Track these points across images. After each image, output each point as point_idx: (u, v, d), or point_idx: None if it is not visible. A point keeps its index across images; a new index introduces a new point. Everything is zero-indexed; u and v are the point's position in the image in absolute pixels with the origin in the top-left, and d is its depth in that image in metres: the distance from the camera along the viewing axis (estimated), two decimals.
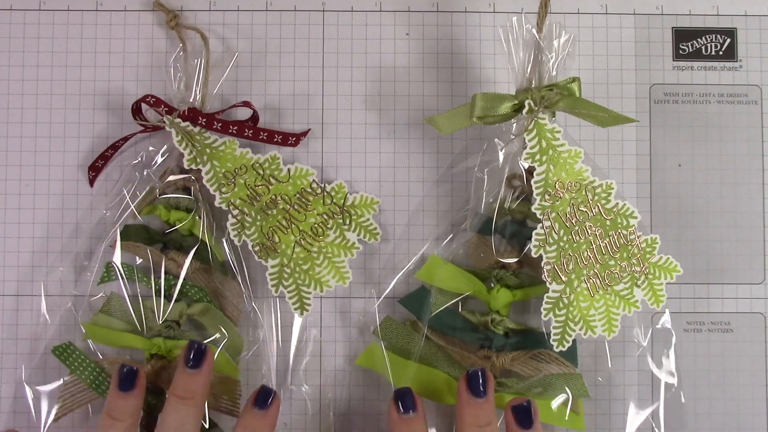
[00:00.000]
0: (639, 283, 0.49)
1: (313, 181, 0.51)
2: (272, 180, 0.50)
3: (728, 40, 0.55)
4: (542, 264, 0.48)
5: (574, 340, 0.48)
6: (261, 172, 0.50)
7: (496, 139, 0.50)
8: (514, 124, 0.49)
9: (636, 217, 0.49)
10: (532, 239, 0.48)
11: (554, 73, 0.48)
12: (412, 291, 0.52)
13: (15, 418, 0.52)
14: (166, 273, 0.50)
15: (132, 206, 0.50)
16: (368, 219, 0.51)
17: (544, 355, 0.49)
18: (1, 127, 0.53)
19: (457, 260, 0.52)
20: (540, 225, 0.48)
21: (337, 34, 0.54)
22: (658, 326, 0.52)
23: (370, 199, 0.51)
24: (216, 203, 0.50)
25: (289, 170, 0.51)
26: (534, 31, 0.48)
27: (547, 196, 0.48)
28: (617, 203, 0.49)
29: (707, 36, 0.55)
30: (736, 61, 0.54)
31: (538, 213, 0.48)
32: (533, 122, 0.48)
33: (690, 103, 0.54)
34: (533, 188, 0.48)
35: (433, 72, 0.54)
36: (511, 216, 0.50)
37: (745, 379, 0.53)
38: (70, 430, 0.52)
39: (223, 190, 0.50)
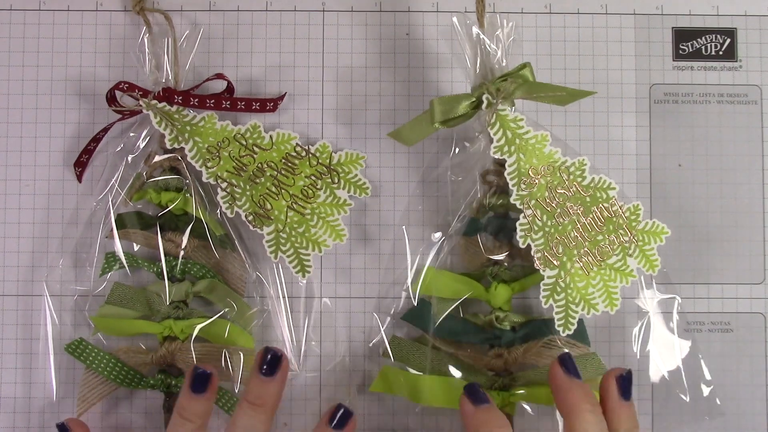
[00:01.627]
0: (630, 252, 0.49)
1: (297, 144, 0.51)
2: (256, 149, 0.50)
3: (728, 40, 0.55)
4: (532, 252, 0.48)
5: (580, 320, 0.49)
6: (244, 142, 0.50)
7: (464, 141, 0.51)
8: (476, 122, 0.49)
9: (614, 188, 0.49)
10: (517, 230, 0.48)
11: (504, 63, 0.48)
12: (414, 306, 0.51)
13: (15, 418, 0.52)
14: (165, 255, 0.50)
15: (122, 194, 0.50)
16: (356, 175, 0.51)
17: (555, 341, 0.49)
18: (1, 127, 0.53)
19: (449, 266, 0.52)
20: (522, 214, 0.48)
21: (337, 34, 0.54)
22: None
23: (356, 155, 0.51)
24: (204, 179, 0.50)
25: (271, 137, 0.51)
26: (475, 27, 0.48)
27: (523, 185, 0.48)
28: (593, 178, 0.49)
29: (707, 36, 0.55)
30: (736, 61, 0.54)
31: (517, 203, 0.48)
32: (494, 115, 0.48)
33: (690, 103, 0.54)
34: (508, 180, 0.48)
35: (434, 72, 0.54)
36: (493, 212, 0.50)
37: (745, 379, 0.53)
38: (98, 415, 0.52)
39: (209, 164, 0.50)
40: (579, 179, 0.49)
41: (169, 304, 0.50)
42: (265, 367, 0.46)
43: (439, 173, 0.53)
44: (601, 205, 0.49)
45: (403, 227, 0.52)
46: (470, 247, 0.51)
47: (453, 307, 0.50)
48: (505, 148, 0.48)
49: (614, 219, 0.49)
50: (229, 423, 0.46)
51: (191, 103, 0.51)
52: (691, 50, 0.54)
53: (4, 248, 0.53)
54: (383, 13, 0.54)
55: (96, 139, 0.52)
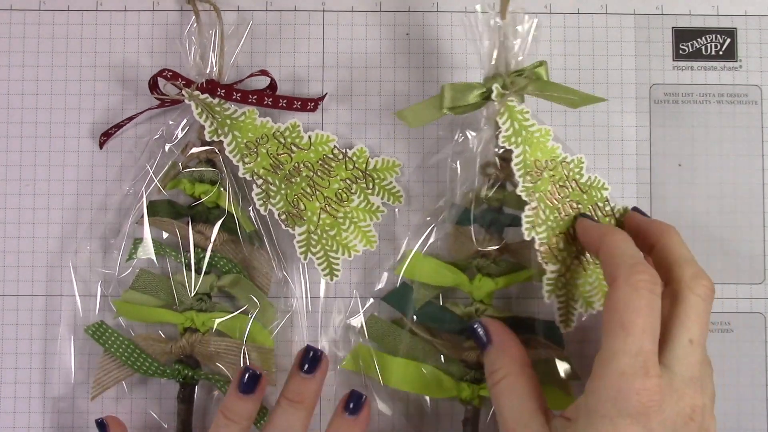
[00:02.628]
0: None
1: (335, 147, 0.51)
2: (294, 148, 0.50)
3: (728, 40, 0.55)
4: (536, 246, 0.47)
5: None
6: (282, 140, 0.50)
7: (468, 131, 0.50)
8: (483, 113, 0.49)
9: (607, 188, 0.49)
10: (522, 222, 0.48)
11: (521, 58, 0.48)
12: (395, 288, 0.51)
13: (15, 419, 0.52)
14: (194, 246, 0.50)
15: (156, 181, 0.50)
16: (391, 182, 0.51)
17: (532, 341, 0.49)
18: (1, 127, 0.53)
19: (436, 253, 0.51)
20: (527, 206, 0.48)
21: (337, 34, 0.54)
22: None
23: (392, 162, 0.51)
24: (240, 174, 0.50)
25: (309, 137, 0.51)
26: (498, 18, 0.48)
27: (528, 177, 0.48)
28: (590, 177, 0.49)
29: (707, 36, 0.55)
30: (736, 61, 0.54)
31: (523, 195, 0.48)
32: (504, 106, 0.48)
33: (690, 103, 0.54)
34: (515, 170, 0.48)
35: (434, 72, 0.54)
36: (488, 204, 0.50)
37: (745, 379, 0.53)
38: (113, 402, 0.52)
39: (246, 160, 0.50)
40: (577, 176, 0.49)
41: (193, 295, 0.50)
42: (306, 365, 0.46)
43: (439, 159, 0.53)
44: (596, 204, 0.49)
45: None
46: (460, 237, 0.51)
47: (434, 294, 0.50)
48: (513, 139, 0.48)
49: (607, 219, 0.49)
50: (267, 421, 0.46)
51: (234, 97, 0.50)
52: (691, 50, 0.54)
53: (5, 248, 0.53)
54: (383, 13, 0.54)
55: (130, 118, 0.52)
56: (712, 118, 0.54)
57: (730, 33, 0.55)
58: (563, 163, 0.49)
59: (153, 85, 0.51)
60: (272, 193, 0.50)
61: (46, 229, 0.53)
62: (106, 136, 0.52)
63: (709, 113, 0.54)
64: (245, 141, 0.50)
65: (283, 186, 0.50)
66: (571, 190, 0.48)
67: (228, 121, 0.50)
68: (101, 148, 0.53)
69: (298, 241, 0.50)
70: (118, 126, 0.52)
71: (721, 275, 0.53)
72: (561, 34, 0.54)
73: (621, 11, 0.55)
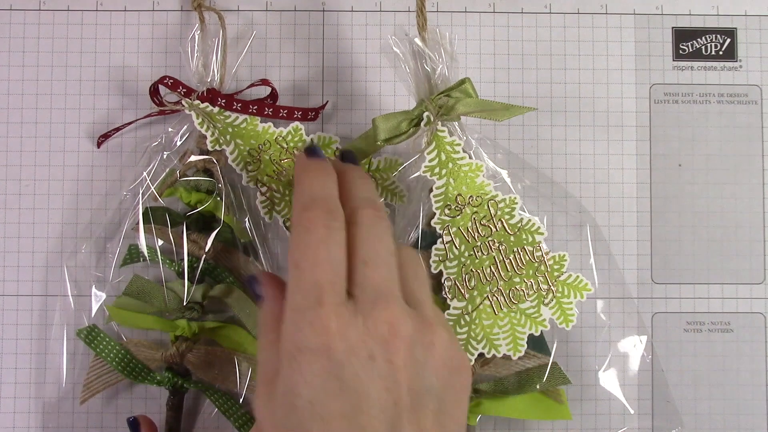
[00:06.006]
0: (546, 301, 0.47)
1: (337, 148, 0.51)
2: (296, 151, 0.50)
3: (728, 40, 0.55)
4: (442, 279, 0.47)
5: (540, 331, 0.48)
6: (285, 145, 0.50)
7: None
8: (423, 139, 0.48)
9: (542, 233, 0.48)
10: (432, 255, 0.47)
11: (448, 76, 0.47)
12: None
13: (15, 419, 0.52)
14: (188, 255, 0.50)
15: (152, 188, 0.50)
16: (393, 182, 0.51)
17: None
18: (1, 127, 0.53)
19: None
20: (440, 240, 0.47)
21: (337, 34, 0.54)
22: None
23: (394, 161, 0.51)
24: (243, 182, 0.50)
25: (312, 140, 0.50)
26: (416, 39, 0.47)
27: (447, 210, 0.47)
28: (521, 218, 0.48)
29: (707, 36, 0.55)
30: (736, 61, 0.54)
31: (437, 228, 0.47)
32: (432, 135, 0.47)
33: (690, 103, 0.54)
34: (432, 202, 0.47)
35: None
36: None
37: (745, 379, 0.53)
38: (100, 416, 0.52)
39: (250, 168, 0.50)
40: (507, 216, 0.48)
41: (185, 304, 0.50)
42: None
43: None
44: (525, 248, 0.48)
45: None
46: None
47: None
48: (436, 170, 0.47)
49: (536, 264, 0.48)
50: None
51: (234, 107, 0.50)
52: (691, 50, 0.54)
53: (5, 248, 0.53)
54: (383, 13, 0.54)
55: (130, 123, 0.52)
56: (712, 118, 0.54)
57: (730, 33, 0.55)
58: (491, 202, 0.48)
59: (153, 92, 0.51)
60: (277, 200, 0.50)
61: (46, 229, 0.53)
62: (104, 137, 0.52)
63: (709, 113, 0.54)
64: (248, 149, 0.50)
65: (287, 192, 0.50)
66: (495, 229, 0.47)
67: (230, 129, 0.50)
68: (98, 147, 0.53)
69: None
70: (117, 129, 0.52)
71: (721, 275, 0.53)
72: (561, 34, 0.54)
73: (621, 11, 0.55)
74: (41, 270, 0.53)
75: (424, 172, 0.47)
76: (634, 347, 0.52)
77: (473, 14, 0.54)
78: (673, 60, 0.54)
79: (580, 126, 0.54)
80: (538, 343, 0.48)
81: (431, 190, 0.48)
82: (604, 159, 0.54)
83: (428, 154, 0.47)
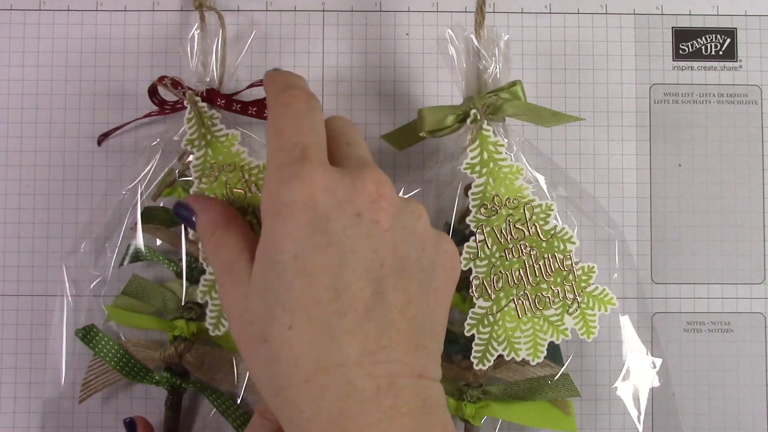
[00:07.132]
0: (570, 311, 0.47)
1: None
2: (254, 188, 0.48)
3: (728, 40, 0.55)
4: (471, 277, 0.47)
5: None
6: (247, 176, 0.48)
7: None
8: (468, 135, 0.48)
9: (574, 243, 0.47)
10: (463, 252, 0.47)
11: (499, 77, 0.48)
12: None
13: (15, 419, 0.52)
14: (186, 255, 0.50)
15: (151, 188, 0.50)
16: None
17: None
18: (1, 127, 0.53)
19: None
20: (473, 238, 0.47)
21: (337, 34, 0.54)
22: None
23: None
24: (190, 191, 0.49)
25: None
26: (472, 36, 0.47)
27: (483, 210, 0.47)
28: (555, 225, 0.48)
29: (707, 36, 0.55)
30: (736, 61, 0.54)
31: (472, 226, 0.47)
32: (477, 133, 0.47)
33: (690, 103, 0.54)
34: (470, 200, 0.47)
35: (434, 72, 0.54)
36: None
37: (745, 379, 0.53)
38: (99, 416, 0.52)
39: (203, 181, 0.48)
40: (541, 222, 0.47)
41: (184, 304, 0.50)
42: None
43: (436, 173, 0.52)
44: (555, 255, 0.47)
45: None
46: None
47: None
48: (477, 168, 0.47)
49: (564, 273, 0.47)
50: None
51: (233, 108, 0.50)
52: (691, 50, 0.54)
53: (5, 248, 0.53)
54: (383, 13, 0.54)
55: (130, 122, 0.52)
56: (712, 118, 0.54)
57: (730, 33, 0.55)
58: (528, 206, 0.47)
59: (152, 92, 0.50)
60: None
61: (46, 229, 0.53)
62: (104, 136, 0.52)
63: (709, 113, 0.54)
64: (212, 162, 0.48)
65: None
66: (528, 234, 0.47)
67: (208, 137, 0.49)
68: (99, 145, 0.53)
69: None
70: (117, 128, 0.52)
71: (721, 275, 0.53)
72: (561, 34, 0.54)
73: (621, 11, 0.55)
74: (41, 270, 0.53)
75: (465, 169, 0.47)
76: (650, 368, 0.51)
77: (473, 14, 0.54)
78: (673, 60, 0.54)
79: (579, 126, 0.54)
80: (552, 353, 0.48)
81: (468, 188, 0.48)
82: (604, 159, 0.54)
83: (471, 151, 0.47)
